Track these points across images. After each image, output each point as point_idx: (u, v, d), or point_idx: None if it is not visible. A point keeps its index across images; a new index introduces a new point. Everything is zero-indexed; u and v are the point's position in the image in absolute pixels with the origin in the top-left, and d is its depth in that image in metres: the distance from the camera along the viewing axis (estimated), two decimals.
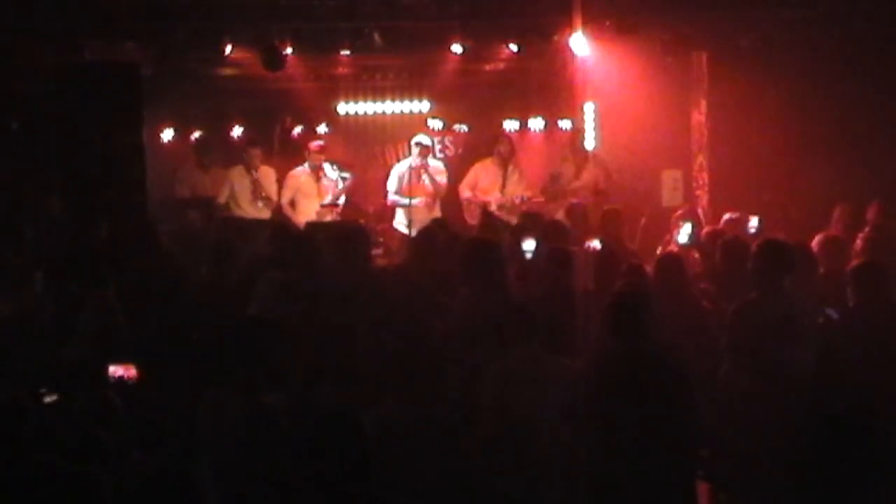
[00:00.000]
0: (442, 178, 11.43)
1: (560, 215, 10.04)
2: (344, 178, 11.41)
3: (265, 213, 11.27)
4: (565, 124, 12.86)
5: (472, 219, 11.15)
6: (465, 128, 12.88)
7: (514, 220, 10.11)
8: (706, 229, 8.99)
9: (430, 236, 8.20)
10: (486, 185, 11.37)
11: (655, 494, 4.84)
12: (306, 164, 11.47)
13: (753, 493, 5.14)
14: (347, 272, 7.23)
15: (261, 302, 6.80)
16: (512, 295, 6.61)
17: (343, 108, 12.87)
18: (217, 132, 12.19)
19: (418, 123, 12.39)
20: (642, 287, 6.35)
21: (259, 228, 9.67)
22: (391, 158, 12.80)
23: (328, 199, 11.28)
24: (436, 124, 12.35)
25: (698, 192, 11.75)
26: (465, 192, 11.57)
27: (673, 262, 7.03)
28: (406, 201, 11.06)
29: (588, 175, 11.40)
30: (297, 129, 12.52)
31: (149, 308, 6.72)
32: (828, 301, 6.34)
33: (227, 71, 11.48)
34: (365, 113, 12.96)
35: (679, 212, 9.27)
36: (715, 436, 5.38)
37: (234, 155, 11.70)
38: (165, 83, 10.78)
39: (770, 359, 5.34)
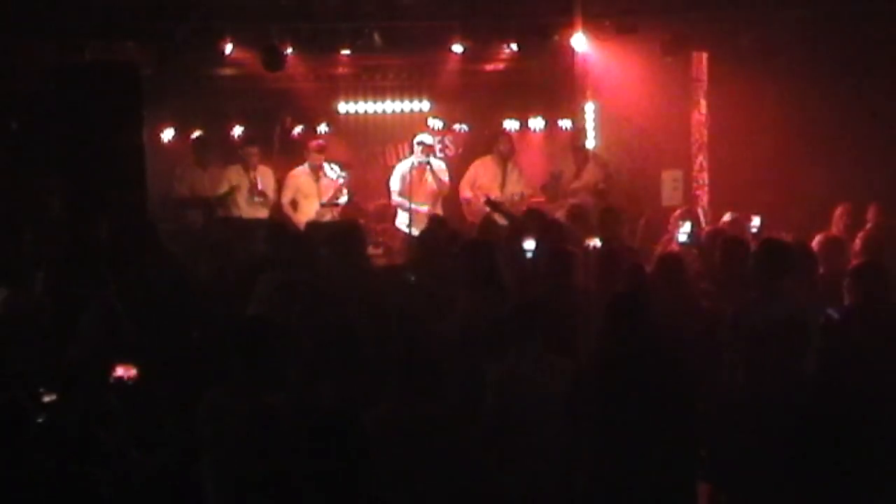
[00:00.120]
0: (445, 177, 11.44)
1: (560, 215, 10.04)
2: (342, 177, 11.41)
3: (263, 213, 11.26)
4: (565, 124, 12.86)
5: (473, 217, 11.14)
6: (465, 127, 12.87)
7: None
8: (706, 229, 8.99)
9: (432, 235, 8.21)
10: (486, 183, 11.37)
11: (655, 495, 4.84)
12: (306, 164, 11.48)
13: (753, 493, 5.14)
14: (345, 270, 7.23)
15: (260, 302, 6.80)
16: (511, 295, 6.60)
17: (343, 107, 12.86)
18: (217, 132, 12.18)
19: (418, 123, 12.39)
20: (642, 287, 6.35)
21: (258, 228, 9.67)
22: (391, 158, 12.80)
23: (326, 199, 11.29)
24: (436, 124, 12.35)
25: (698, 192, 11.75)
26: (465, 191, 11.56)
27: (673, 262, 7.03)
28: (409, 205, 11.06)
29: (588, 175, 11.39)
30: (298, 129, 12.51)
31: (149, 308, 6.73)
32: (828, 301, 6.34)
33: (227, 71, 11.48)
34: (365, 112, 12.95)
35: (678, 211, 9.27)
36: (715, 436, 5.38)
37: (234, 154, 11.70)
38: (165, 83, 10.78)
39: (770, 359, 5.34)
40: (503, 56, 12.03)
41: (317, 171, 11.43)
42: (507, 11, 10.65)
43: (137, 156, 9.60)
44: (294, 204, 11.37)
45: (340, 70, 12.29)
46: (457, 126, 12.86)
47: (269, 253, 7.60)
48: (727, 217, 9.25)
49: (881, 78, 10.78)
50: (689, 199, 11.57)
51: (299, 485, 4.17)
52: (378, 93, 12.86)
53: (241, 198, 11.26)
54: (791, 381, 5.09)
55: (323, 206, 11.29)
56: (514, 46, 11.43)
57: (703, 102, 11.72)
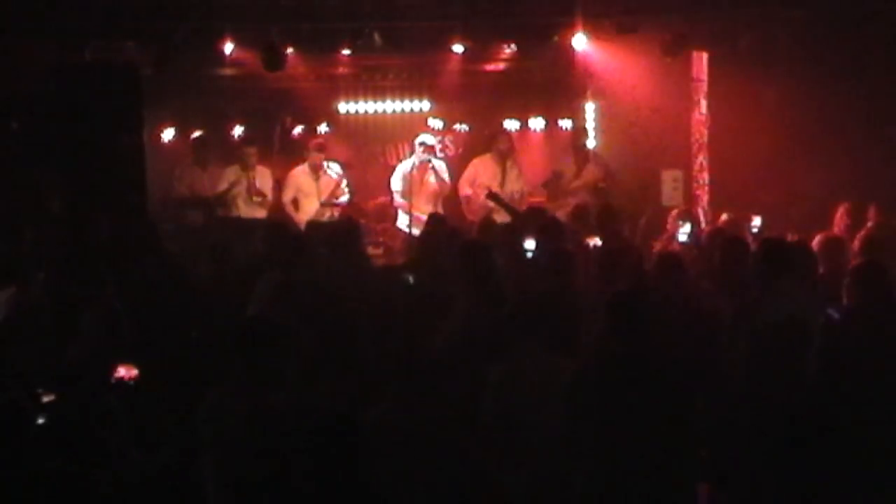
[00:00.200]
0: (446, 177, 11.45)
1: (563, 214, 10.06)
2: (339, 175, 11.44)
3: (261, 213, 11.27)
4: (565, 124, 12.87)
5: (473, 215, 11.15)
6: (465, 127, 12.88)
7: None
8: (707, 229, 8.99)
9: (432, 234, 8.21)
10: (485, 182, 11.37)
11: (655, 494, 4.83)
12: (306, 163, 11.49)
13: (753, 493, 5.14)
14: (344, 270, 7.24)
15: (260, 302, 6.80)
16: (511, 294, 6.60)
17: (343, 107, 12.87)
18: (217, 132, 12.18)
19: (419, 123, 12.39)
20: (643, 286, 6.35)
21: (257, 228, 9.67)
22: (392, 158, 12.81)
23: (325, 198, 11.30)
24: (436, 124, 12.35)
25: (698, 192, 11.75)
26: (465, 189, 11.57)
27: (673, 262, 7.03)
28: (409, 207, 11.06)
29: (588, 174, 11.40)
30: (298, 129, 12.51)
31: (149, 308, 6.73)
32: (828, 301, 6.34)
33: (227, 71, 11.47)
34: (365, 112, 12.96)
35: (675, 211, 9.28)
36: (715, 436, 5.38)
37: (234, 154, 11.70)
38: (165, 83, 10.78)
39: (770, 359, 5.34)
40: (503, 56, 12.04)
41: (317, 169, 11.44)
42: (507, 11, 10.64)
43: (137, 156, 9.61)
44: (295, 203, 11.39)
45: (340, 70, 12.30)
46: (457, 126, 12.87)
47: (267, 253, 7.60)
48: (724, 217, 9.26)
49: (881, 78, 10.77)
50: (690, 199, 11.57)
51: (299, 484, 4.17)
52: (378, 93, 12.87)
53: (240, 198, 11.27)
54: (791, 380, 5.09)
55: (323, 205, 11.30)
56: (513, 47, 11.44)
57: (703, 102, 11.72)
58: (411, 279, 7.27)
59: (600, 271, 7.16)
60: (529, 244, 7.89)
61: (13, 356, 6.18)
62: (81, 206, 9.17)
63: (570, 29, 10.63)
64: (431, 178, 11.37)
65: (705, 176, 11.75)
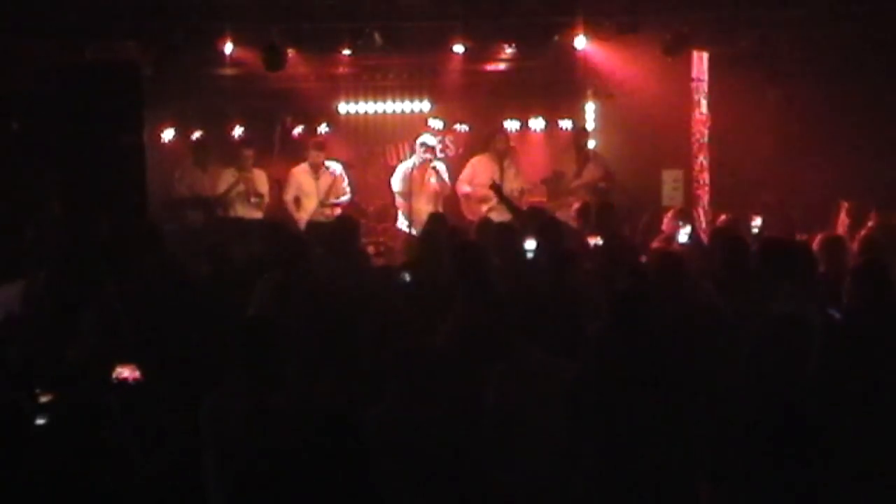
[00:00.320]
0: (447, 177, 11.46)
1: (562, 214, 10.06)
2: (340, 173, 11.46)
3: (258, 215, 11.29)
4: (565, 124, 12.87)
5: (472, 215, 11.16)
6: (465, 127, 12.87)
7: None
8: (706, 229, 9.00)
9: (432, 233, 8.21)
10: (484, 181, 11.40)
11: (656, 494, 4.83)
12: (306, 163, 11.50)
13: (754, 492, 5.13)
14: (342, 270, 7.23)
15: (260, 302, 6.80)
16: (506, 294, 6.60)
17: (344, 107, 12.87)
18: (217, 132, 12.19)
19: (419, 123, 12.40)
20: (644, 286, 6.35)
21: (256, 228, 9.68)
22: (392, 158, 12.81)
23: (324, 197, 11.31)
24: (436, 124, 12.36)
25: (699, 192, 11.75)
26: (463, 188, 11.58)
27: (674, 261, 7.02)
28: (409, 208, 11.06)
29: (589, 174, 11.41)
30: (298, 129, 12.52)
31: (149, 308, 6.72)
32: (828, 301, 6.34)
33: (227, 71, 11.47)
34: (366, 113, 12.95)
35: (671, 212, 9.28)
36: (716, 435, 5.37)
37: (234, 155, 11.71)
38: (165, 83, 10.78)
39: (771, 359, 5.33)
40: (504, 56, 12.03)
41: (317, 168, 11.45)
42: (507, 11, 10.63)
43: (138, 156, 9.60)
44: (297, 202, 11.40)
45: (341, 70, 12.29)
46: (457, 126, 12.86)
47: (267, 253, 7.60)
48: (723, 219, 9.26)
49: (881, 78, 10.78)
50: (690, 199, 11.58)
51: (300, 484, 4.17)
52: (379, 93, 12.86)
53: (238, 200, 11.29)
54: (792, 380, 5.08)
55: (324, 204, 11.31)
56: (514, 46, 11.43)
57: (703, 102, 11.72)
58: (407, 277, 7.26)
59: (601, 270, 7.16)
60: (530, 244, 7.89)
61: (13, 356, 6.18)
62: (81, 206, 9.17)
63: (570, 29, 10.63)
64: (432, 179, 11.38)
65: (705, 176, 11.75)
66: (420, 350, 5.28)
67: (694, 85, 11.70)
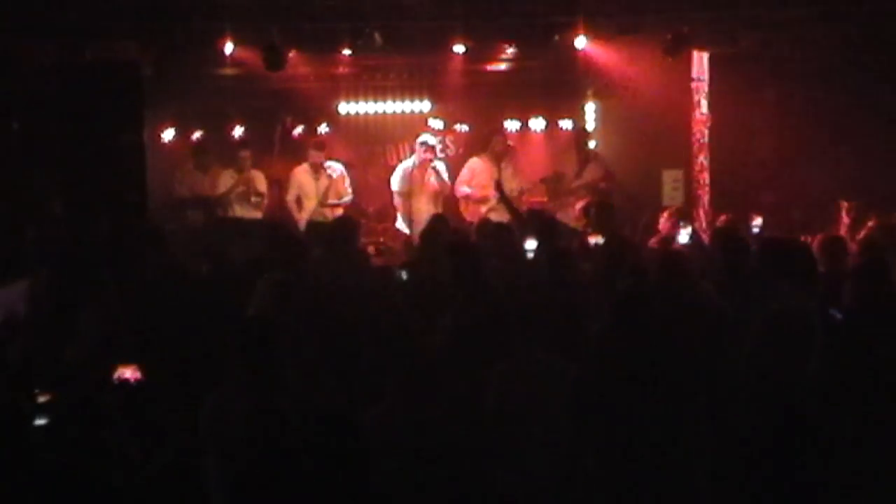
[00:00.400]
0: (446, 177, 11.45)
1: (562, 214, 10.07)
2: (341, 173, 11.46)
3: (257, 215, 11.30)
4: (566, 124, 12.87)
5: (471, 216, 11.15)
6: (465, 128, 12.88)
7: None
8: (708, 228, 9.00)
9: (434, 233, 8.21)
10: (481, 182, 11.40)
11: (657, 494, 4.83)
12: (307, 163, 11.51)
13: (755, 492, 5.13)
14: (341, 270, 7.24)
15: (260, 302, 6.80)
16: (510, 294, 6.60)
17: (344, 107, 12.87)
18: (217, 132, 12.19)
19: (419, 123, 12.40)
20: (644, 286, 6.35)
21: (255, 228, 9.69)
22: (392, 158, 12.81)
23: (324, 197, 11.31)
24: (436, 124, 12.35)
25: (699, 192, 11.75)
26: (462, 189, 11.57)
27: (675, 261, 7.01)
28: (408, 207, 11.06)
29: (589, 174, 11.41)
30: (298, 129, 12.52)
31: (151, 308, 6.72)
32: (829, 301, 6.33)
33: (227, 71, 11.47)
34: (366, 113, 12.95)
35: (667, 211, 9.28)
36: (717, 434, 5.37)
37: (234, 156, 11.71)
38: (165, 83, 10.78)
39: (771, 359, 5.33)
40: (504, 56, 12.03)
41: (317, 168, 11.45)
42: (508, 11, 10.62)
43: (138, 156, 9.60)
44: (299, 202, 11.42)
45: (341, 70, 12.29)
46: (457, 126, 12.86)
47: (265, 253, 7.60)
48: (722, 219, 9.26)
49: (881, 77, 10.78)
50: (690, 199, 11.58)
51: (300, 484, 4.17)
52: (379, 93, 12.86)
53: (237, 200, 11.30)
54: (792, 380, 5.08)
55: (325, 205, 11.32)
56: (514, 46, 11.43)
57: (703, 102, 11.72)
58: (404, 275, 7.26)
59: (601, 270, 7.15)
60: (530, 244, 7.89)
61: (12, 356, 6.18)
62: (82, 205, 9.17)
63: (570, 29, 10.62)
64: (432, 179, 11.37)
65: (706, 176, 11.74)
66: (420, 350, 5.28)
67: (694, 85, 11.69)
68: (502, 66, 12.36)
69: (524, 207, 10.51)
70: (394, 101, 12.90)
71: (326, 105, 12.73)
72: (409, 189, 11.21)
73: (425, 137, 11.45)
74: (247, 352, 4.96)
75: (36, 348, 6.24)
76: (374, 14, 10.41)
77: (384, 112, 12.95)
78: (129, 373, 5.52)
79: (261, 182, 11.50)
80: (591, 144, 12.10)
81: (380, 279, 7.56)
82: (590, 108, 12.71)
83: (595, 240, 8.35)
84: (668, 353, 5.10)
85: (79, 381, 5.60)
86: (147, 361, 5.73)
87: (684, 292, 6.66)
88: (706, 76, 11.64)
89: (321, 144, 11.67)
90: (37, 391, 5.32)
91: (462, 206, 11.60)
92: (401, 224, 11.37)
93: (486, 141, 11.85)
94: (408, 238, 10.66)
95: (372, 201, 12.26)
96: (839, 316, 6.03)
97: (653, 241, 8.87)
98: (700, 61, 11.61)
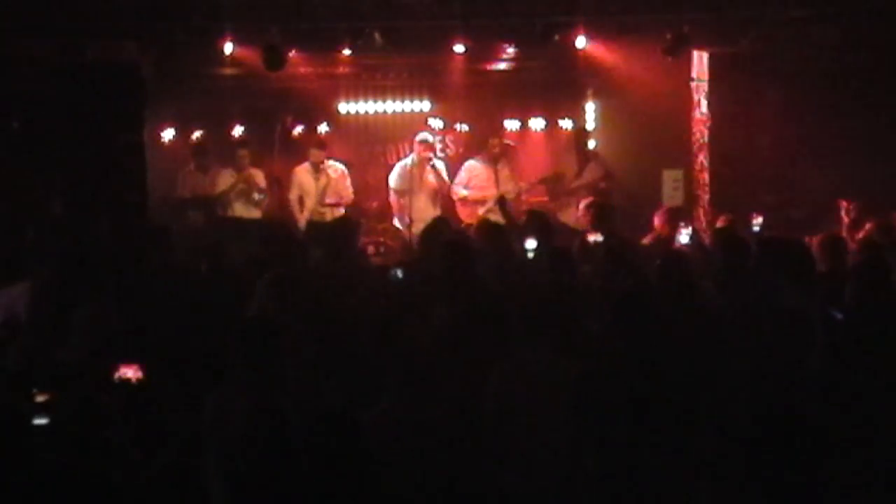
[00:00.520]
0: (445, 176, 11.46)
1: (562, 214, 10.07)
2: (342, 173, 11.47)
3: (256, 214, 11.30)
4: (566, 124, 12.87)
5: (469, 218, 11.15)
6: (465, 127, 12.88)
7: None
8: (708, 228, 9.00)
9: (434, 233, 8.22)
10: (479, 184, 11.40)
11: (657, 494, 4.83)
12: (308, 162, 11.51)
13: (755, 491, 5.13)
14: (340, 267, 7.24)
15: (260, 302, 6.79)
16: (510, 294, 6.60)
17: (344, 107, 12.87)
18: (217, 132, 12.20)
19: (419, 123, 12.39)
20: (644, 285, 6.35)
21: (255, 228, 9.69)
22: (392, 158, 12.80)
23: (323, 196, 11.32)
24: (436, 124, 12.35)
25: (699, 192, 11.75)
26: (460, 191, 11.57)
27: (676, 261, 7.02)
28: (407, 205, 11.05)
29: (589, 174, 11.41)
30: (298, 129, 12.52)
31: (151, 307, 6.72)
32: (829, 301, 6.34)
33: (227, 71, 11.47)
34: (366, 112, 12.95)
35: (661, 210, 9.28)
36: (717, 435, 5.37)
37: (233, 156, 11.71)
38: (165, 83, 10.78)
39: (772, 358, 5.34)
40: (504, 56, 12.03)
41: (317, 168, 11.46)
42: (507, 11, 10.63)
43: (138, 156, 9.61)
44: (301, 201, 11.43)
45: (341, 70, 12.28)
46: (457, 126, 12.86)
47: (264, 253, 7.61)
48: (722, 219, 9.26)
49: (881, 77, 10.78)
50: (690, 199, 11.58)
51: (301, 484, 4.17)
52: (379, 92, 12.86)
53: (236, 200, 11.31)
54: (792, 380, 5.08)
55: (326, 205, 11.33)
56: (514, 46, 11.43)
57: (703, 102, 11.72)
58: (399, 273, 7.26)
59: (601, 270, 7.16)
60: (530, 244, 7.89)
61: (11, 356, 6.18)
62: (82, 205, 9.17)
63: (570, 29, 10.62)
64: (431, 177, 11.37)
65: (706, 176, 11.75)
66: (420, 350, 5.28)
67: (694, 85, 11.70)
68: (502, 66, 12.35)
69: (524, 207, 10.52)
70: (394, 101, 12.89)
71: (326, 105, 12.73)
72: (407, 187, 11.21)
73: (424, 135, 11.45)
74: (247, 351, 4.97)
75: (36, 348, 6.23)
76: (374, 14, 10.41)
77: (384, 112, 12.95)
78: (129, 372, 5.52)
79: (260, 179, 11.51)
80: (591, 144, 12.10)
81: (379, 278, 7.56)
82: (590, 108, 12.71)
83: (594, 237, 8.35)
84: (668, 352, 5.11)
85: (79, 381, 5.59)
86: (147, 361, 5.73)
87: (684, 292, 6.67)
88: (706, 76, 11.64)
89: (322, 143, 11.68)
90: (35, 391, 5.31)
91: (458, 208, 11.59)
92: (397, 222, 11.37)
93: (484, 142, 11.86)
94: (405, 237, 10.66)
95: (372, 201, 12.26)
96: (839, 316, 6.03)
97: (646, 239, 8.89)
98: (700, 61, 11.61)
